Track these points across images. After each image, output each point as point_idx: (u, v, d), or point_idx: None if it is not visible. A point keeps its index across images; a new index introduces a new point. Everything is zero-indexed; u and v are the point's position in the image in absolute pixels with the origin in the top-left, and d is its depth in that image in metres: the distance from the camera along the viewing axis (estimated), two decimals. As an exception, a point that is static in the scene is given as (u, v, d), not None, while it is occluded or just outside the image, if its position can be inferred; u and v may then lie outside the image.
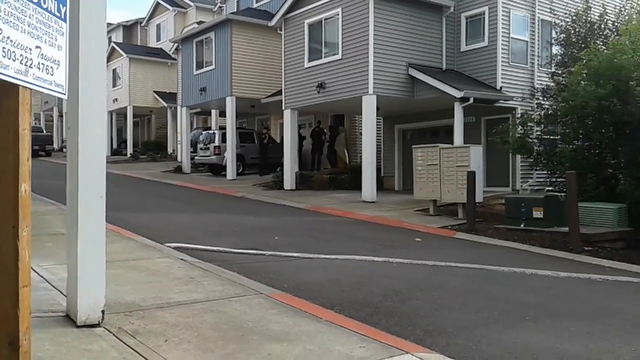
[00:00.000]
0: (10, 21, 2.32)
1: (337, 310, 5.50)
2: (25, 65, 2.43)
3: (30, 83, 2.48)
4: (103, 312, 4.34)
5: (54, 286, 5.33)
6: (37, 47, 2.48)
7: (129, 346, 3.93)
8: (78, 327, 4.21)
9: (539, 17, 17.60)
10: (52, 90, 2.59)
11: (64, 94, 2.68)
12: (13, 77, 2.38)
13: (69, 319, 4.37)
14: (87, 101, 4.02)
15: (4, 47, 2.29)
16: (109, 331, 4.20)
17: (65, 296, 4.65)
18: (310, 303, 5.55)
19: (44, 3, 2.50)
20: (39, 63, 2.50)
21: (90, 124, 4.09)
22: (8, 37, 2.31)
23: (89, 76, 4.00)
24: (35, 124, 43.27)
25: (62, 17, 2.55)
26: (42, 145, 34.27)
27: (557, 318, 5.76)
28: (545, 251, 10.20)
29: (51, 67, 2.55)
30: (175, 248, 8.08)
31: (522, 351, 4.72)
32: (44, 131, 37.34)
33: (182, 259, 7.17)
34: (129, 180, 22.11)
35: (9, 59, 2.32)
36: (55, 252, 6.68)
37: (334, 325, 4.78)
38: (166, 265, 6.77)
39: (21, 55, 2.40)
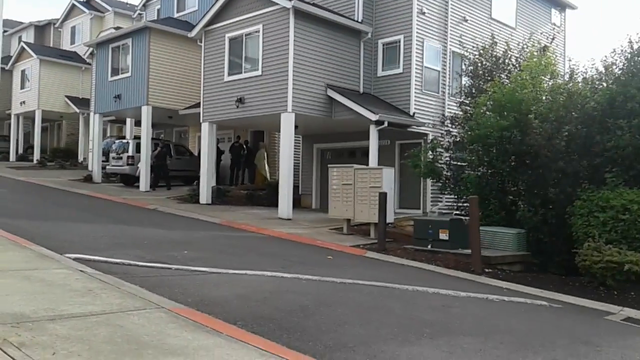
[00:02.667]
0: None
1: (240, 325, 5.45)
2: None
3: None
4: (-14, 323, 4.08)
5: None
6: None
7: (13, 358, 3.71)
8: (-44, 339, 3.93)
9: (450, 48, 18.54)
10: None
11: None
12: None
13: (-53, 330, 4.07)
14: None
15: None
16: (-9, 343, 3.94)
17: (-55, 306, 4.33)
18: (212, 317, 5.48)
19: None
20: None
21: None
22: None
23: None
24: None
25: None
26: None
27: (453, 335, 6.01)
28: (449, 272, 10.61)
29: None
30: (75, 259, 7.72)
31: (417, 366, 4.87)
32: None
33: (81, 270, 6.86)
34: (33, 187, 20.93)
35: None
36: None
37: (234, 339, 4.74)
38: (63, 276, 6.45)
39: None
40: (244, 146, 23.16)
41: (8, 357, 3.72)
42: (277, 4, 16.41)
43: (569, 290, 9.89)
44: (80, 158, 32.48)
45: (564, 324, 7.53)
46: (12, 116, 34.53)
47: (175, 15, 25.54)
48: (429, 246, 12.18)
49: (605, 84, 12.90)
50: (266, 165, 22.48)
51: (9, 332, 4.20)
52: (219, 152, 22.33)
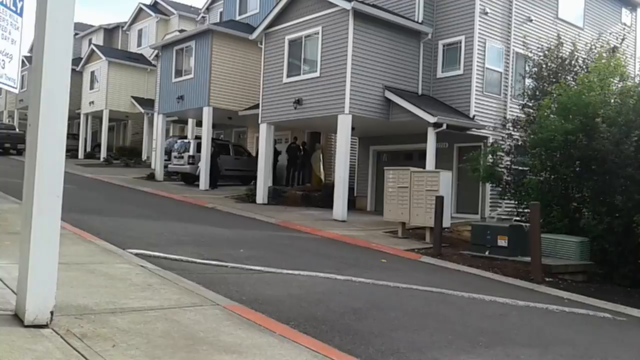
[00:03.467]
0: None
1: (293, 325, 5.49)
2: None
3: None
4: (52, 313, 4.27)
5: (6, 285, 5.23)
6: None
7: (74, 349, 3.87)
8: (25, 326, 4.13)
9: (513, 49, 18.05)
10: (2, 83, 2.58)
11: (15, 88, 2.67)
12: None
13: (17, 318, 4.29)
14: (49, 98, 3.99)
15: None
16: (56, 332, 4.12)
17: (16, 295, 4.56)
18: (266, 316, 5.54)
19: (0, -3, 2.51)
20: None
21: (51, 122, 4.06)
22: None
23: (53, 73, 3.97)
24: (9, 121, 42.53)
25: (18, 11, 2.56)
26: (14, 144, 33.63)
27: (510, 345, 5.84)
28: (507, 279, 10.33)
29: (3, 61, 2.54)
30: (136, 254, 7.99)
31: (471, 375, 4.77)
32: (17, 129, 36.66)
33: (142, 266, 7.09)
34: (100, 184, 21.82)
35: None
36: (12, 251, 6.54)
37: (287, 339, 4.77)
38: (125, 271, 6.68)
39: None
40: (301, 147, 23.33)
41: (70, 348, 3.88)
42: (337, 5, 16.46)
43: (635, 302, 9.42)
44: (144, 157, 33.61)
45: (629, 338, 7.18)
46: (82, 115, 36.14)
47: (237, 17, 26.04)
48: (487, 252, 11.90)
49: (679, 87, 12.23)
50: (321, 166, 22.57)
51: (73, 323, 4.39)
52: (276, 153, 22.59)
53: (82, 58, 36.27)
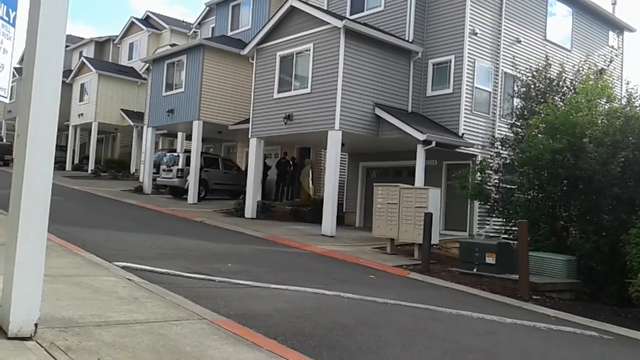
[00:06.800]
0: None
1: (281, 340, 5.44)
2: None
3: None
4: (36, 325, 4.20)
5: (-11, 297, 5.15)
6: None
7: (59, 362, 3.81)
8: (9, 338, 4.06)
9: (502, 69, 18.28)
10: (-6, 92, 2.57)
11: (6, 97, 2.66)
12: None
13: (1, 330, 4.21)
14: (39, 109, 3.97)
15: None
16: (40, 345, 4.06)
17: (0, 306, 4.49)
18: (253, 331, 5.49)
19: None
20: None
21: (40, 133, 4.03)
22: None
23: (44, 84, 3.96)
24: (-5, 132, 42.24)
25: (11, 21, 2.56)
26: (1, 154, 33.35)
27: (498, 362, 5.83)
28: (495, 297, 10.34)
29: (-5, 69, 2.54)
30: (123, 267, 7.91)
31: (458, 392, 4.74)
32: (4, 140, 36.38)
33: (128, 279, 7.01)
34: (87, 196, 21.66)
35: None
36: (-4, 263, 6.46)
37: (275, 354, 4.73)
38: (111, 283, 6.61)
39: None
40: (291, 162, 23.36)
41: (55, 360, 3.82)
42: (329, 23, 16.60)
43: (622, 321, 9.48)
44: (133, 169, 33.47)
45: (615, 357, 7.20)
46: (70, 127, 35.98)
47: (229, 33, 26.16)
48: (475, 269, 11.92)
49: (665, 109, 12.42)
50: (311, 182, 22.58)
51: (57, 336, 4.32)
52: (266, 168, 22.59)
53: (72, 70, 36.22)
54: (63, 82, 35.66)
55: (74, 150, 36.42)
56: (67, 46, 40.55)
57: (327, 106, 16.48)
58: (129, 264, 8.27)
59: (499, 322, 7.97)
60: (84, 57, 36.80)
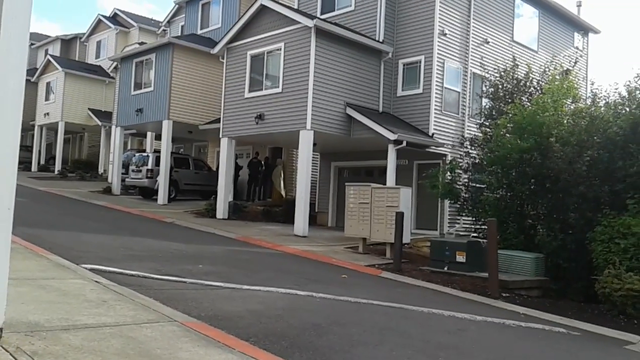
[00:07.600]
0: None
1: (253, 341, 5.40)
2: None
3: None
4: (1, 329, 4.08)
5: (-50, 302, 4.98)
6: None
7: (24, 368, 3.71)
8: (-29, 345, 3.95)
9: (471, 70, 18.53)
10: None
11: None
12: None
13: (-37, 336, 4.09)
14: (2, 105, 3.85)
15: None
16: (5, 350, 3.94)
17: (-38, 312, 4.35)
18: (225, 333, 5.44)
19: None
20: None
21: (3, 133, 3.91)
22: None
23: (6, 80, 3.84)
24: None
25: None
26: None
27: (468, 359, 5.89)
28: (465, 295, 10.45)
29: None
30: (90, 270, 7.75)
31: (430, 390, 4.78)
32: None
33: (96, 281, 6.88)
34: (53, 198, 21.20)
35: None
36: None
37: (247, 356, 4.69)
38: (78, 286, 6.47)
39: None
40: (262, 162, 23.26)
41: (20, 366, 3.72)
42: (299, 22, 16.57)
43: (588, 317, 9.68)
44: (101, 170, 32.89)
45: (582, 353, 7.36)
46: (36, 127, 35.17)
47: (199, 32, 25.91)
48: (446, 268, 12.03)
49: (628, 109, 12.74)
50: (282, 182, 22.52)
51: (23, 341, 4.21)
52: (237, 168, 22.45)
53: (37, 69, 35.41)
54: (28, 80, 34.94)
55: (39, 151, 35.61)
56: (32, 44, 39.74)
57: (299, 106, 16.45)
58: (97, 266, 8.11)
59: (469, 320, 8.06)
60: (50, 55, 36.00)
